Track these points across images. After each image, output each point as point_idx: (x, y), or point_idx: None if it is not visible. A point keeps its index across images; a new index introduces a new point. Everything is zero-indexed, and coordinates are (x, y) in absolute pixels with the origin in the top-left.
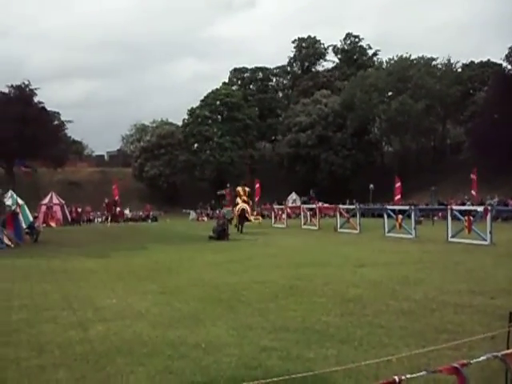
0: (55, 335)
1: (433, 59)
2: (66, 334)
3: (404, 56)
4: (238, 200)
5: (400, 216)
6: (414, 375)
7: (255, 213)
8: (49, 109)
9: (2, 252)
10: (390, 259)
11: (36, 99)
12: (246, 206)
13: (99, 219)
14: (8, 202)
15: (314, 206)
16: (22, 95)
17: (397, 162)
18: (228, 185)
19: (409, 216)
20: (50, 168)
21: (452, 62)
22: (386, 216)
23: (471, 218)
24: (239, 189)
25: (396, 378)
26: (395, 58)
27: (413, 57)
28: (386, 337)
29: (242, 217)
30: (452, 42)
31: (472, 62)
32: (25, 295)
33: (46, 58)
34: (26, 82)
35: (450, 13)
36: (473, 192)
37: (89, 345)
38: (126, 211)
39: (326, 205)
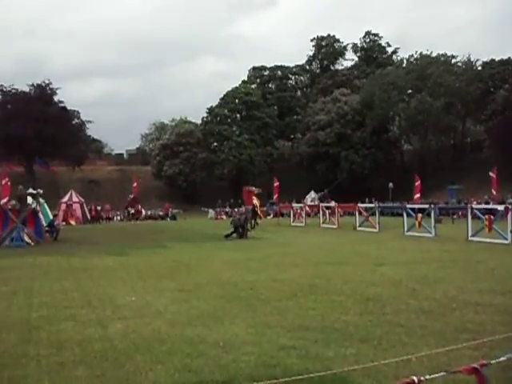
0: (75, 333)
1: (453, 57)
2: (85, 332)
3: (424, 53)
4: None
5: (419, 214)
6: (433, 376)
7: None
8: (69, 108)
9: (23, 250)
10: (409, 258)
11: (56, 98)
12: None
13: (118, 217)
14: (29, 198)
15: (332, 204)
16: (43, 94)
17: (416, 161)
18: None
19: (428, 214)
20: (69, 167)
21: (472, 59)
22: (405, 214)
23: (492, 216)
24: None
25: (415, 378)
26: (415, 56)
27: (433, 55)
28: (405, 336)
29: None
30: (472, 40)
31: (492, 60)
32: (45, 293)
33: (67, 57)
34: (47, 81)
35: (470, 11)
36: (493, 191)
37: (108, 342)
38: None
39: (334, 203)
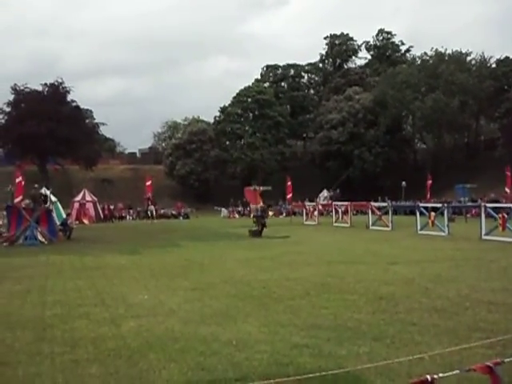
0: (88, 331)
1: (466, 54)
2: (99, 330)
3: (439, 50)
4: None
5: (433, 213)
6: (448, 374)
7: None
8: (82, 107)
9: (36, 248)
10: (422, 257)
11: (69, 97)
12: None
13: (131, 217)
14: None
15: (345, 203)
16: (56, 93)
17: (429, 159)
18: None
19: (442, 213)
20: (83, 168)
21: (486, 57)
22: (418, 213)
23: (505, 215)
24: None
25: (428, 377)
26: (429, 53)
27: (447, 52)
28: (418, 334)
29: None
30: (487, 38)
31: (507, 58)
32: (58, 291)
33: (80, 56)
34: (60, 80)
35: (485, 8)
36: (507, 189)
37: (121, 341)
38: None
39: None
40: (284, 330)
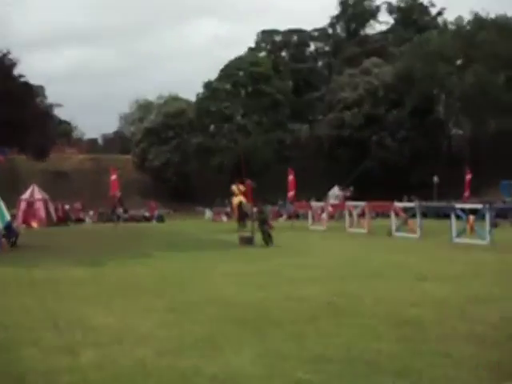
0: (38, 362)
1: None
2: (50, 361)
3: (478, 14)
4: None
5: (472, 217)
6: None
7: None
8: (32, 83)
9: None
10: (458, 271)
11: (16, 72)
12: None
13: (91, 219)
14: None
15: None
16: (0, 67)
17: (468, 149)
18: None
19: (483, 217)
20: (31, 158)
21: None
22: (453, 217)
23: None
24: (234, 187)
25: None
26: (466, 18)
27: (488, 16)
28: (452, 369)
29: (242, 211)
30: None
31: None
32: (0, 312)
33: (30, 22)
34: (5, 51)
35: None
36: None
37: (79, 374)
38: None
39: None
40: (284, 362)
